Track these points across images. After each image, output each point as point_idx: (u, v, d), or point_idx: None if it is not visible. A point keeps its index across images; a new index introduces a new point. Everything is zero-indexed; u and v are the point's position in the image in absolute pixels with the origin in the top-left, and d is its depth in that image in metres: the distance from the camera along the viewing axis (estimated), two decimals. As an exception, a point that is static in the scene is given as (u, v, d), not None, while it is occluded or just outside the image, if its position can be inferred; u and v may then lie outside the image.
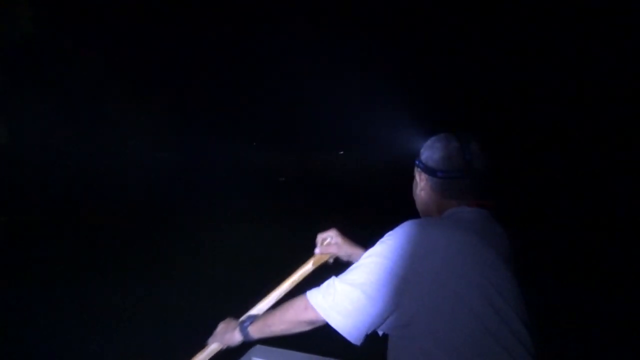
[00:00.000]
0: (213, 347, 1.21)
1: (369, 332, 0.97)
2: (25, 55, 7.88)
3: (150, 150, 10.33)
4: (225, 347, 1.22)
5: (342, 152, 11.01)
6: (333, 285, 1.00)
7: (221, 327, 1.23)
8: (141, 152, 10.16)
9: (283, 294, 1.28)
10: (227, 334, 1.19)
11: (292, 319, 1.05)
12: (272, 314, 1.12)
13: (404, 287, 0.92)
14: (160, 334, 3.07)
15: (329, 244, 1.37)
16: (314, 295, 1.02)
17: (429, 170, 1.13)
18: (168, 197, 8.17)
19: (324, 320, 0.99)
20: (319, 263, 1.35)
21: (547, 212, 7.21)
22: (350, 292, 0.95)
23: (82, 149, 9.24)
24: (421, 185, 1.16)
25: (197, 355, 1.21)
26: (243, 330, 1.16)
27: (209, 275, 4.23)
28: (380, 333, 1.04)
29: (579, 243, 5.83)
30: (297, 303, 1.05)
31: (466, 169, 1.08)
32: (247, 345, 1.54)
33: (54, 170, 8.47)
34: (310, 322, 1.03)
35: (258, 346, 1.57)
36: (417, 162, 1.18)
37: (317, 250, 1.37)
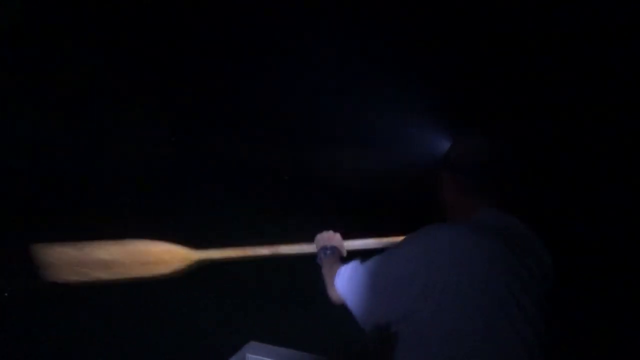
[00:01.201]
0: (309, 247, 1.38)
1: (380, 321, 0.98)
2: (13, 47, 7.65)
3: (146, 145, 10.14)
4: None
5: (287, 177, 10.58)
6: (356, 270, 1.06)
7: (320, 236, 1.38)
8: (137, 148, 9.99)
9: (371, 246, 1.39)
10: (319, 243, 1.35)
11: (328, 285, 1.16)
12: (332, 265, 1.21)
13: (425, 292, 0.90)
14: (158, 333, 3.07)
15: None
16: (341, 277, 1.10)
17: (454, 170, 1.08)
18: (164, 195, 8.08)
19: (344, 303, 1.07)
20: None
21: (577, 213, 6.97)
22: (366, 283, 1.01)
23: (74, 144, 9.07)
24: (447, 186, 1.12)
25: (300, 243, 1.39)
26: (320, 255, 1.31)
27: (204, 278, 4.17)
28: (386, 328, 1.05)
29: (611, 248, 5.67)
30: (332, 275, 1.14)
31: (493, 169, 1.04)
32: (242, 341, 1.57)
33: (42, 165, 8.29)
34: (337, 298, 1.11)
35: (252, 342, 1.59)
36: (443, 161, 1.14)
37: None
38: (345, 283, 1.07)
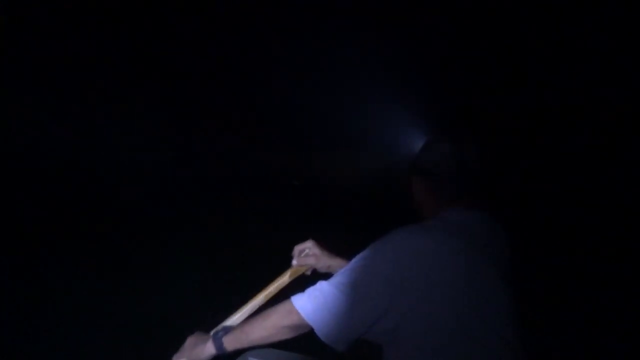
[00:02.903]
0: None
1: (354, 337, 0.96)
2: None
3: (144, 148, 9.99)
4: None
5: (297, 183, 10.40)
6: (320, 288, 1.00)
7: (189, 341, 1.13)
8: (135, 151, 9.87)
9: (257, 307, 1.24)
10: (197, 348, 1.08)
11: (275, 324, 1.02)
12: (250, 321, 1.08)
13: (391, 292, 0.92)
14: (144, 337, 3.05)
15: (306, 255, 1.36)
16: (298, 298, 1.01)
17: (423, 172, 1.15)
18: (164, 201, 8.02)
19: (308, 325, 0.98)
20: (295, 275, 1.33)
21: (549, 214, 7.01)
22: (336, 295, 0.95)
23: (62, 147, 8.94)
24: (416, 187, 1.18)
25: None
26: (217, 341, 1.07)
27: (202, 286, 4.14)
28: (371, 338, 1.02)
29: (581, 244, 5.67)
30: (281, 307, 1.03)
31: (459, 170, 1.09)
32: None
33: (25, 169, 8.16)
34: (294, 327, 1.01)
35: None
36: (413, 164, 1.19)
37: (294, 262, 1.36)
38: (308, 304, 0.98)
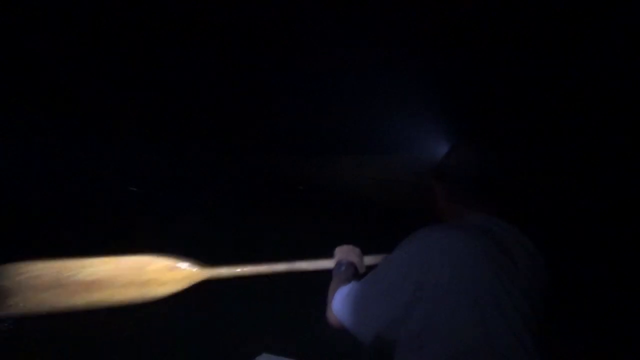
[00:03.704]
0: (327, 262, 1.32)
1: (381, 335, 0.99)
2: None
3: (140, 151, 9.72)
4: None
5: (301, 187, 10.20)
6: (352, 287, 1.07)
7: (340, 249, 1.35)
8: (129, 153, 9.63)
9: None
10: (337, 257, 1.32)
11: (328, 302, 1.13)
12: (339, 283, 1.20)
13: (419, 292, 0.93)
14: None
15: None
16: (336, 299, 1.10)
17: (443, 178, 1.15)
18: (163, 207, 7.90)
19: (342, 325, 1.05)
20: None
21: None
22: (365, 292, 1.02)
23: (54, 147, 8.64)
24: (437, 193, 1.18)
25: (319, 259, 1.33)
26: (337, 270, 1.28)
27: (216, 289, 4.08)
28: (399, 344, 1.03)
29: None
30: (330, 298, 1.13)
31: (479, 177, 1.10)
32: (254, 353, 1.55)
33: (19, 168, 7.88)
34: (332, 320, 1.10)
35: (264, 355, 1.57)
36: (434, 170, 1.20)
37: None
38: (340, 303, 1.08)
